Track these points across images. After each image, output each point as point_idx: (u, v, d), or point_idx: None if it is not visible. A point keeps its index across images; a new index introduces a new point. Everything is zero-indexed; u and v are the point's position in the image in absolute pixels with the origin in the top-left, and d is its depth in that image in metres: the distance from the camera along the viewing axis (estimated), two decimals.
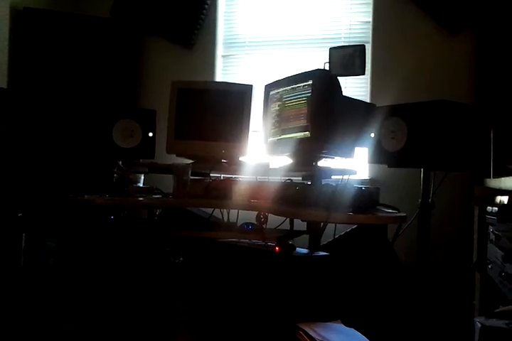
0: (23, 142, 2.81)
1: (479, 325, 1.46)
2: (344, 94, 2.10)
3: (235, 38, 3.46)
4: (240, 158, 2.55)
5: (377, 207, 2.06)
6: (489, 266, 1.67)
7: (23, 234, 2.33)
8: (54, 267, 2.34)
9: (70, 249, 2.35)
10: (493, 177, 1.97)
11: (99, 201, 2.29)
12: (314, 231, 2.09)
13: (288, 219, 2.20)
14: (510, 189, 1.59)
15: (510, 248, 1.27)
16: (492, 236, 1.64)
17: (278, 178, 2.23)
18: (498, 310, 1.60)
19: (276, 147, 2.28)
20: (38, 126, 2.94)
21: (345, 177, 2.03)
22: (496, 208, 1.76)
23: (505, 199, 1.73)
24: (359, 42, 3.04)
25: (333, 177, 2.13)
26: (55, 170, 2.81)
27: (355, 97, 2.38)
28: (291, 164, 2.25)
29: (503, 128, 2.09)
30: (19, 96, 2.90)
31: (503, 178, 1.68)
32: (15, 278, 2.23)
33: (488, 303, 1.92)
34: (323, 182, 2.08)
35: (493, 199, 1.85)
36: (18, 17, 3.06)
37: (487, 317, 1.52)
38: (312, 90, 2.04)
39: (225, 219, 2.42)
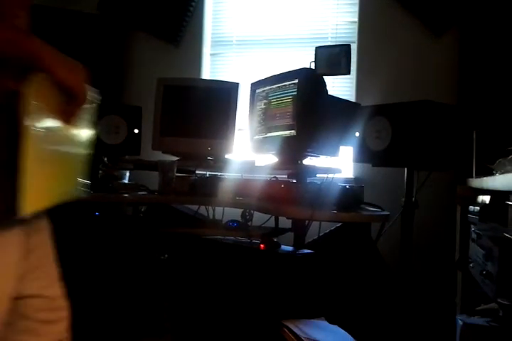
0: (8, 137, 2.78)
1: (461, 323, 1.48)
2: (330, 93, 2.12)
3: (222, 37, 3.46)
4: (226, 156, 2.56)
5: (362, 205, 2.09)
6: (471, 265, 1.69)
7: None
8: None
9: (54, 244, 2.33)
10: (476, 177, 1.99)
11: (84, 197, 2.28)
12: (299, 229, 2.10)
13: (273, 216, 2.21)
14: (491, 189, 1.61)
15: (491, 247, 1.29)
16: (474, 235, 1.66)
17: (263, 176, 2.24)
18: (479, 308, 1.63)
19: (261, 145, 2.28)
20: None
21: (330, 175, 2.04)
22: (478, 207, 1.79)
23: (486, 198, 1.75)
24: (345, 42, 3.05)
25: (318, 175, 2.14)
26: None
27: (341, 97, 2.40)
28: (277, 162, 2.26)
29: (485, 128, 2.12)
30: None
31: (484, 178, 1.71)
32: None
33: (470, 301, 1.95)
34: (308, 180, 2.09)
35: (475, 198, 1.88)
36: None
37: (468, 315, 1.54)
38: (298, 89, 2.05)
39: (211, 217, 2.42)
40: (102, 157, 2.51)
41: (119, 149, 2.54)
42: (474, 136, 2.10)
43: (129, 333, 2.11)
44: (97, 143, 2.45)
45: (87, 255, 2.23)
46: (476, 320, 1.49)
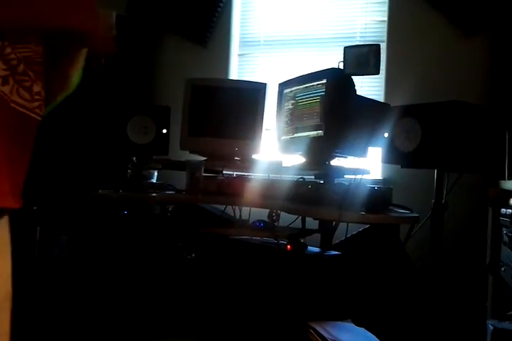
0: (39, 137, 2.83)
1: (491, 328, 1.46)
2: (359, 93, 2.10)
3: (250, 37, 3.46)
4: (253, 156, 2.56)
5: (390, 207, 2.06)
6: (502, 269, 1.66)
7: (38, 227, 2.35)
8: (68, 260, 2.37)
9: (84, 242, 2.37)
10: (508, 179, 1.95)
11: (113, 196, 2.31)
12: (326, 230, 2.09)
13: (300, 217, 2.20)
14: None
15: None
16: (506, 239, 1.63)
17: (290, 177, 2.23)
18: (510, 312, 1.60)
19: (289, 145, 2.28)
20: (54, 121, 2.96)
21: (358, 176, 2.03)
22: (510, 210, 1.75)
23: None
24: (374, 41, 3.02)
25: (345, 176, 2.13)
26: (71, 165, 2.83)
27: (370, 97, 2.38)
28: (304, 163, 2.25)
29: None
30: None
31: None
32: (30, 269, 2.26)
33: (501, 306, 1.91)
34: (336, 181, 2.08)
35: (508, 201, 1.84)
36: None
37: (499, 320, 1.51)
38: (326, 89, 2.04)
39: (237, 217, 2.43)
40: (131, 157, 2.55)
41: (147, 149, 2.57)
42: (507, 136, 2.05)
43: (154, 332, 2.13)
44: (126, 143, 2.51)
45: (115, 253, 2.26)
46: (507, 325, 1.47)
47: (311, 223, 2.11)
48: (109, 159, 2.85)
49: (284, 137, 2.31)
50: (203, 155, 2.63)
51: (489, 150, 2.15)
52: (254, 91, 2.55)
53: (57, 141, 2.86)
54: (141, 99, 3.31)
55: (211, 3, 3.37)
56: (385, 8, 3.09)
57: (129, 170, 2.49)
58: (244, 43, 3.47)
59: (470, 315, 2.33)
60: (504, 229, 1.77)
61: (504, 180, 2.00)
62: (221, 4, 3.38)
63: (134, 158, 2.54)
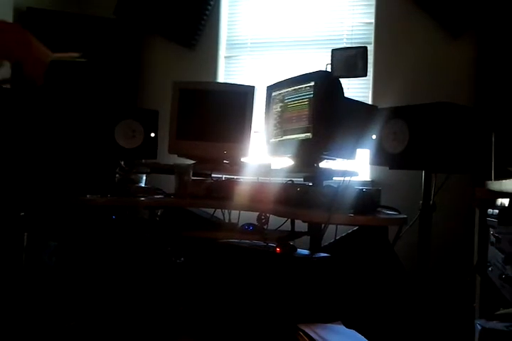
0: (26, 141, 2.81)
1: (479, 327, 1.46)
2: (346, 95, 2.11)
3: (237, 39, 3.47)
4: (242, 159, 2.56)
5: (378, 208, 2.07)
6: (489, 269, 1.67)
7: (25, 233, 2.33)
8: (56, 266, 2.35)
9: (72, 248, 2.36)
10: (495, 180, 1.97)
11: (101, 201, 2.30)
12: (315, 232, 2.10)
13: (289, 220, 2.20)
14: (511, 191, 1.59)
15: (511, 250, 1.27)
16: (493, 239, 1.64)
17: (279, 179, 2.23)
18: (498, 312, 1.60)
19: (277, 148, 2.28)
20: (41, 125, 2.94)
21: (347, 178, 2.03)
22: (497, 211, 1.76)
23: (506, 201, 1.73)
24: (361, 43, 3.04)
25: (334, 178, 2.13)
26: (58, 170, 2.81)
27: (358, 99, 2.39)
28: (293, 165, 2.25)
29: (504, 130, 2.09)
30: (21, 95, 2.90)
31: (504, 181, 1.68)
32: (17, 276, 2.24)
33: (489, 306, 1.92)
34: (325, 183, 2.09)
35: (494, 201, 1.85)
36: (21, 17, 3.06)
37: (487, 320, 1.52)
38: (314, 91, 2.05)
39: (226, 220, 2.42)
40: (119, 161, 2.53)
41: (135, 153, 2.56)
42: (493, 138, 2.07)
43: (144, 336, 2.12)
44: (113, 147, 2.50)
45: (104, 258, 2.25)
46: (495, 324, 1.47)
47: (300, 225, 2.12)
48: (97, 163, 2.84)
49: (272, 140, 2.32)
50: (192, 159, 2.62)
51: (476, 151, 2.16)
52: (243, 94, 2.55)
53: (45, 146, 2.84)
54: (129, 102, 3.30)
55: (199, 6, 3.37)
56: (372, 10, 3.11)
57: (117, 175, 2.47)
58: (231, 45, 3.48)
59: (458, 315, 2.34)
60: (491, 229, 1.78)
61: (491, 180, 2.02)
62: (209, 7, 3.38)
63: (122, 162, 2.53)
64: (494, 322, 1.49)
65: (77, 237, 2.36)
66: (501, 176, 1.84)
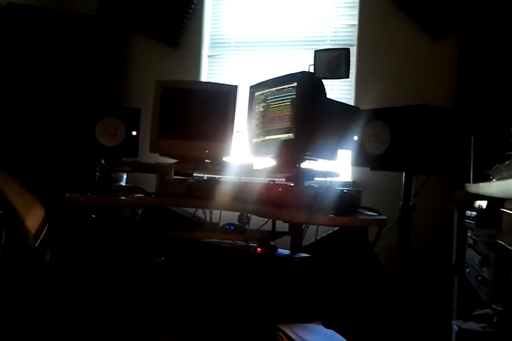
0: (5, 138, 2.77)
1: (456, 328, 1.48)
2: (329, 96, 2.12)
3: (220, 38, 3.46)
4: (224, 159, 2.55)
5: (359, 209, 2.09)
6: (467, 270, 1.69)
7: (3, 232, 2.30)
8: (35, 265, 2.32)
9: (51, 246, 2.33)
10: (473, 182, 1.99)
11: (81, 199, 2.28)
12: (296, 232, 2.10)
13: (270, 220, 2.21)
14: (488, 194, 1.61)
15: (487, 253, 1.29)
16: (470, 241, 1.66)
17: (261, 179, 2.23)
18: (475, 313, 1.63)
19: (260, 148, 2.28)
20: (20, 123, 2.91)
21: (328, 179, 2.04)
22: (475, 213, 1.79)
23: (483, 204, 1.75)
24: (345, 45, 3.06)
25: (316, 179, 2.14)
26: (37, 168, 2.78)
27: (340, 100, 2.40)
28: (275, 165, 2.25)
29: (483, 133, 2.12)
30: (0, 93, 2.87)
31: (481, 183, 1.70)
32: None
33: (466, 306, 1.95)
34: (306, 184, 2.09)
35: (473, 203, 1.88)
36: (1, 12, 3.02)
37: (464, 321, 1.54)
38: (296, 92, 2.05)
39: (208, 220, 2.42)
40: (100, 159, 2.51)
41: (116, 151, 2.54)
42: (472, 140, 2.09)
43: (125, 336, 2.10)
44: (94, 145, 2.47)
45: (83, 257, 2.23)
46: (472, 325, 1.49)
47: (282, 225, 2.12)
48: (77, 161, 2.81)
49: (255, 140, 2.32)
50: (173, 158, 2.61)
51: (456, 153, 2.19)
52: (225, 94, 2.55)
53: (24, 144, 2.81)
54: (110, 100, 3.27)
55: (183, 4, 3.36)
56: (356, 12, 3.13)
57: (97, 173, 2.45)
58: (214, 44, 3.47)
59: (436, 316, 2.37)
60: (469, 231, 1.80)
61: (469, 183, 2.04)
62: (193, 5, 3.37)
63: (103, 161, 2.51)
64: (471, 322, 1.51)
65: (56, 236, 2.33)
66: (480, 179, 1.87)
